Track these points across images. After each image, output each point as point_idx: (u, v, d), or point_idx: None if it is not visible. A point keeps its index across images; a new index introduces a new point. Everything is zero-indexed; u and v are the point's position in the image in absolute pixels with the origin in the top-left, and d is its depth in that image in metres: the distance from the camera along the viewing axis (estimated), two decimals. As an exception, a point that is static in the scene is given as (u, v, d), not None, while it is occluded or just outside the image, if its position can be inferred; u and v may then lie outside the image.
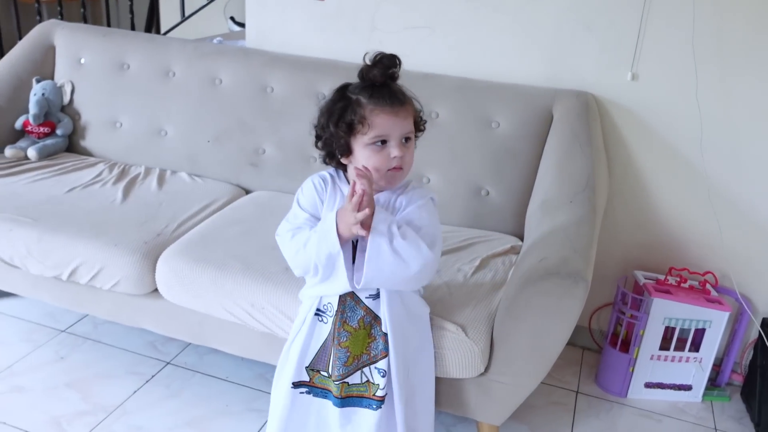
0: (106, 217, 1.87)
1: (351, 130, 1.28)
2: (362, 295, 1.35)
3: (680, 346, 1.97)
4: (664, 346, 1.96)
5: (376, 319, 1.35)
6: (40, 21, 2.66)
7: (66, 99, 2.35)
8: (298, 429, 1.41)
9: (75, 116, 2.36)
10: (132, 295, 1.76)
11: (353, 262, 1.32)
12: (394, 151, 1.28)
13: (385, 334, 1.34)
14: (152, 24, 3.94)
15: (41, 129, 2.28)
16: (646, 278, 2.02)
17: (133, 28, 3.56)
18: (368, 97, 1.27)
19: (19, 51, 2.41)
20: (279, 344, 1.48)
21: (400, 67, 1.29)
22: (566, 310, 1.40)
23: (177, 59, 2.27)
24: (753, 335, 2.06)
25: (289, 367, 1.39)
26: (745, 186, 1.95)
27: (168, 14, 4.07)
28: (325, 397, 1.39)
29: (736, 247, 2.00)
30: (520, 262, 1.55)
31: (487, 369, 1.49)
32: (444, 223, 1.87)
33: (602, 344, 2.13)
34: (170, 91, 2.27)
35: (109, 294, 1.77)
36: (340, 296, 1.34)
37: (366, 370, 1.36)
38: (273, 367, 1.47)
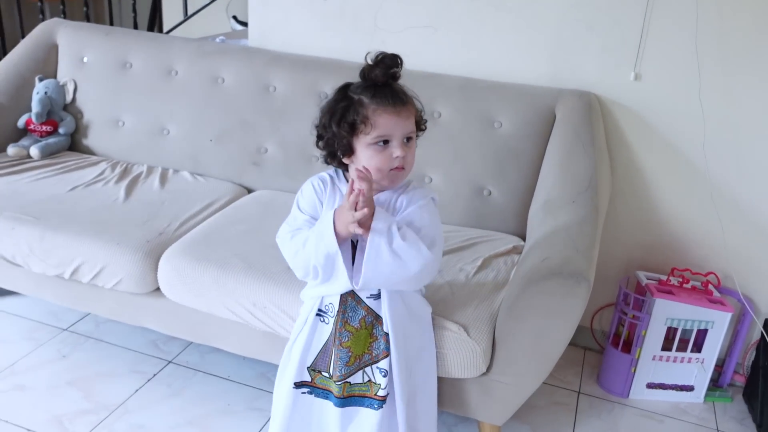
0: (108, 215, 1.87)
1: (353, 130, 1.28)
2: (363, 295, 1.34)
3: (682, 347, 1.97)
4: (666, 346, 1.96)
5: (378, 318, 1.35)
6: (43, 19, 2.67)
7: (69, 97, 2.36)
8: (300, 429, 1.41)
9: (77, 115, 2.36)
10: (134, 294, 1.76)
11: (353, 262, 1.32)
12: (396, 151, 1.28)
13: (387, 334, 1.34)
14: (155, 23, 3.95)
15: (44, 127, 2.29)
16: (648, 278, 2.02)
17: (135, 26, 3.56)
18: (371, 97, 1.27)
19: (21, 49, 2.41)
20: (281, 343, 1.48)
21: (401, 66, 1.29)
22: (568, 310, 1.40)
23: (179, 58, 2.28)
24: (755, 336, 2.05)
25: (290, 368, 1.39)
26: (748, 186, 1.95)
27: (170, 13, 4.07)
28: (326, 398, 1.39)
29: (739, 247, 2.00)
30: (523, 262, 1.55)
31: (488, 369, 1.49)
32: (446, 223, 1.88)
33: (604, 344, 2.13)
34: (173, 90, 2.27)
35: (111, 293, 1.78)
36: (342, 296, 1.34)
37: (368, 369, 1.36)
38: (275, 366, 1.47)
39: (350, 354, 1.34)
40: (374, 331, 1.35)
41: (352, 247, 1.33)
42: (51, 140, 2.28)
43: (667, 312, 1.90)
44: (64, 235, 1.76)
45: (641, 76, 1.94)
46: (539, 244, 1.53)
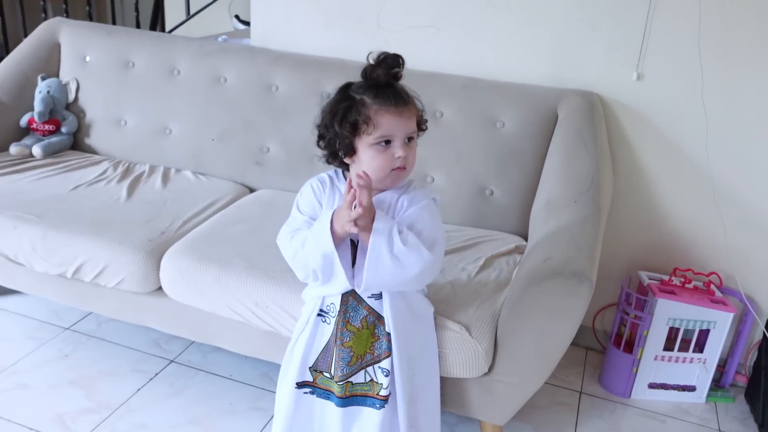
0: (110, 214, 1.88)
1: (355, 130, 1.28)
2: (365, 295, 1.34)
3: (684, 347, 1.97)
4: (668, 346, 1.96)
5: (380, 318, 1.35)
6: (46, 19, 2.67)
7: (71, 97, 2.36)
8: (302, 429, 1.42)
9: (80, 114, 2.36)
10: (136, 293, 1.76)
11: (353, 263, 1.32)
12: (398, 151, 1.28)
13: (389, 334, 1.34)
14: (157, 22, 3.95)
15: (46, 127, 2.29)
16: (650, 279, 2.02)
17: (138, 26, 3.57)
18: (373, 97, 1.27)
19: (24, 48, 2.42)
20: (283, 343, 1.48)
21: (403, 67, 1.29)
22: (570, 309, 1.40)
23: (182, 57, 2.28)
24: (757, 336, 2.05)
25: (292, 368, 1.39)
26: (751, 187, 1.95)
27: (173, 12, 4.07)
28: (327, 398, 1.39)
29: (741, 248, 1.99)
30: (525, 261, 1.55)
31: (490, 369, 1.48)
32: (448, 223, 1.88)
33: (606, 345, 2.13)
34: (175, 89, 2.27)
35: (114, 292, 1.78)
36: (343, 296, 1.34)
37: (370, 369, 1.36)
38: (277, 366, 1.47)
39: (352, 354, 1.35)
40: (376, 330, 1.35)
41: (353, 247, 1.33)
42: (53, 139, 2.28)
43: (669, 312, 1.90)
44: (66, 234, 1.76)
45: (644, 75, 1.94)
46: (541, 243, 1.53)
